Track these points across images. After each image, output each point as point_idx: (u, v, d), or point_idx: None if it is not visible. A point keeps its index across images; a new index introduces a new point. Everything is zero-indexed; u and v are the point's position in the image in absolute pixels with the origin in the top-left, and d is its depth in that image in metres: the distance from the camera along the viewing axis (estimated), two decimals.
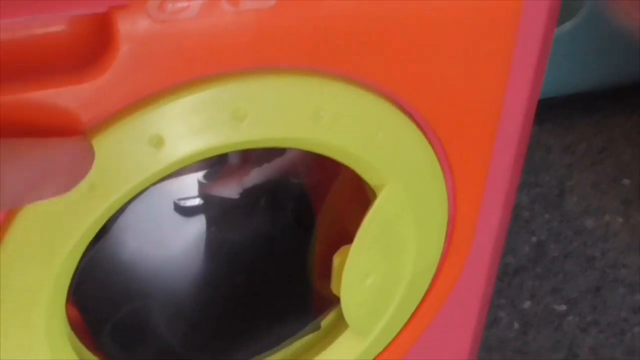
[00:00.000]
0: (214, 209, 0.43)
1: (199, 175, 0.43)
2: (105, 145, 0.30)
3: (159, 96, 0.30)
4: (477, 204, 0.38)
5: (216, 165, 0.43)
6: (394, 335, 0.41)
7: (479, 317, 0.44)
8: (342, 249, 0.37)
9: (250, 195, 0.43)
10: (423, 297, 0.41)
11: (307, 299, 0.42)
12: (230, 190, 0.42)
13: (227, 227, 0.43)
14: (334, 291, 0.37)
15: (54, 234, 0.31)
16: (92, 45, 0.29)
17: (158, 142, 0.30)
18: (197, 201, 0.43)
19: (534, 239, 0.69)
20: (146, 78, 0.30)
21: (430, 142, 0.36)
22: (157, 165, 0.31)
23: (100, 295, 0.41)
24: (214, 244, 0.43)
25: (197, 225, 0.43)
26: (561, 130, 0.76)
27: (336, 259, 0.37)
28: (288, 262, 0.43)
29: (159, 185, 0.39)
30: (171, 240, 0.43)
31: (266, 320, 0.42)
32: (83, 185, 0.30)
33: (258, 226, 0.43)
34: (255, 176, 0.43)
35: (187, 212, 0.43)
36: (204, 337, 0.42)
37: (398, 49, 0.33)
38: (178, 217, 0.43)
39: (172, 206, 0.43)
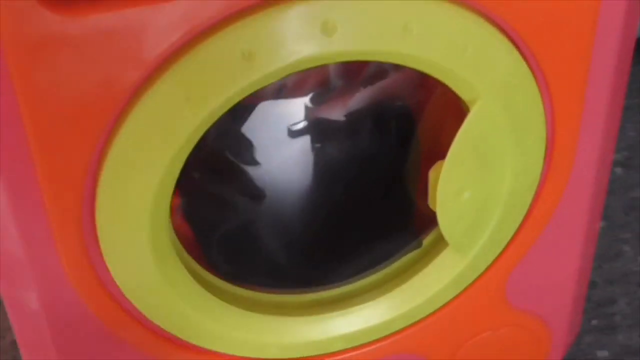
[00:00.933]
0: (320, 130, 0.44)
1: (306, 99, 0.44)
2: (200, 59, 0.31)
3: (250, 11, 0.31)
4: (576, 123, 0.38)
5: (322, 89, 0.44)
6: (494, 256, 0.42)
7: (586, 241, 0.44)
8: (437, 164, 0.37)
9: (355, 116, 0.44)
10: (524, 217, 0.41)
11: (409, 217, 0.43)
12: (335, 112, 0.44)
13: (333, 148, 0.45)
14: (431, 206, 0.38)
15: (158, 140, 0.33)
16: None
17: (250, 56, 0.31)
18: (304, 124, 0.44)
19: None
20: None
21: (524, 58, 0.36)
22: (250, 78, 0.32)
23: (210, 208, 0.43)
24: (321, 163, 0.45)
25: (304, 146, 0.45)
26: None
27: (432, 174, 0.37)
28: (392, 181, 0.44)
29: (266, 106, 0.41)
30: (278, 159, 0.44)
31: (369, 237, 0.43)
32: (180, 96, 0.32)
33: (362, 146, 0.45)
34: (359, 99, 0.44)
35: (294, 133, 0.44)
36: (308, 254, 0.44)
37: None
38: (286, 138, 0.45)
39: (279, 127, 0.44)
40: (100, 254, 0.36)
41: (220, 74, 0.32)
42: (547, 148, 0.38)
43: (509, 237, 0.41)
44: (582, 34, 0.35)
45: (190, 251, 0.39)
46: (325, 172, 0.45)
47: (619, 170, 0.69)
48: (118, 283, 0.37)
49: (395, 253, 0.42)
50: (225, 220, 0.43)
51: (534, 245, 0.42)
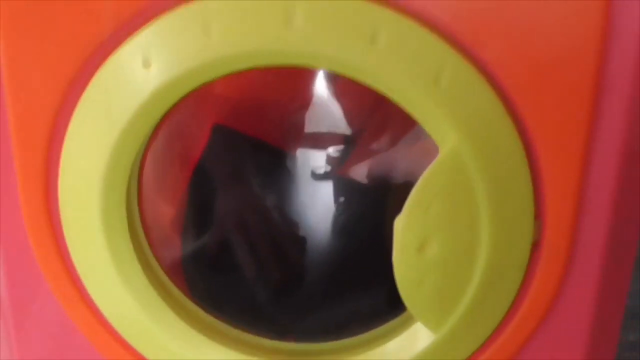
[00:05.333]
0: (336, 187, 0.43)
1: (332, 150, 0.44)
2: (161, 28, 0.32)
3: None
4: (573, 194, 0.35)
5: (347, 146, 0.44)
6: (475, 344, 0.38)
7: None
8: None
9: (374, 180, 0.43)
10: (512, 302, 0.37)
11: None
12: (357, 172, 0.43)
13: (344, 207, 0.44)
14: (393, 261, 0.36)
15: (114, 104, 0.33)
16: None
17: (207, 31, 0.32)
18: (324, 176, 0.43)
19: None
20: None
21: (510, 116, 0.33)
22: (208, 56, 0.32)
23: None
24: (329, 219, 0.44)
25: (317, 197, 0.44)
26: None
27: (397, 222, 0.35)
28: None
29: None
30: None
31: (351, 298, 0.41)
32: (137, 60, 0.33)
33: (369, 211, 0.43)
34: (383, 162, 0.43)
35: (310, 183, 0.44)
36: (289, 301, 0.42)
37: None
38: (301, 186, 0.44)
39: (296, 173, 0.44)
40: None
41: (181, 46, 0.32)
42: (537, 220, 0.35)
43: (492, 324, 0.37)
44: (578, 91, 0.33)
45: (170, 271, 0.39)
46: (330, 227, 0.43)
47: None
48: (74, 261, 0.37)
49: (372, 319, 0.39)
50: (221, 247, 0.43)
51: (527, 343, 0.37)
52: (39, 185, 0.36)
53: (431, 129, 0.33)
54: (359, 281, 0.42)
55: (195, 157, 0.43)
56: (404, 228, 0.34)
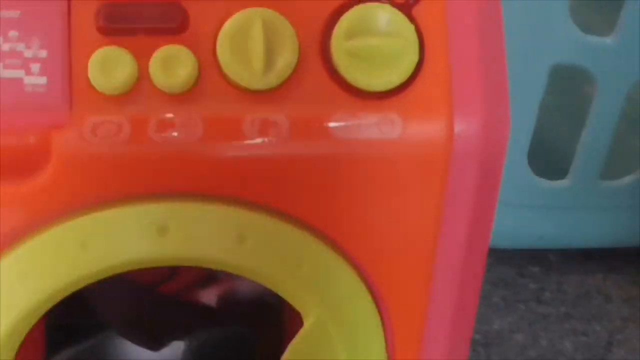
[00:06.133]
0: None
1: None
2: (39, 246, 0.34)
3: (88, 209, 0.34)
4: (416, 349, 0.40)
5: None
6: None
7: None
8: None
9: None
10: None
11: None
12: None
13: None
14: None
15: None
16: (34, 157, 0.33)
17: (83, 248, 0.34)
18: None
19: None
20: (77, 191, 0.34)
21: (362, 281, 0.38)
22: (85, 269, 0.34)
23: None
24: None
25: None
26: (627, 282, 0.74)
27: None
28: None
29: None
30: None
31: None
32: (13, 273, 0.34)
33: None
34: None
35: None
36: None
37: (324, 187, 0.35)
38: None
39: None
40: None
41: (57, 262, 0.34)
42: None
43: None
44: (420, 259, 0.38)
45: None
46: None
47: None
48: None
49: None
50: None
51: None
52: None
53: (296, 304, 0.37)
54: None
55: None
56: None
